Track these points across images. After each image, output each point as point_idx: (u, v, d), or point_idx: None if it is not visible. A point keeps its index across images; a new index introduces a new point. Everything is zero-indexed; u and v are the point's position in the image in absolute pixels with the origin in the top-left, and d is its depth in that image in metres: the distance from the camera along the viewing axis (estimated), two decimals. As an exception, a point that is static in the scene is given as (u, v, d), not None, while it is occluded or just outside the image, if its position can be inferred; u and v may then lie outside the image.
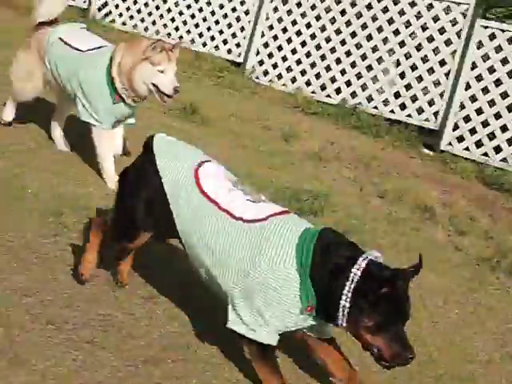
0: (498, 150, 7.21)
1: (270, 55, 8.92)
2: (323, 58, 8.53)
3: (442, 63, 7.77)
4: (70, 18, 7.47)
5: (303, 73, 8.68)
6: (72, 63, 4.59)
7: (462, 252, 5.02)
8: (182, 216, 2.97)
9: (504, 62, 7.24)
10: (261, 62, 8.95)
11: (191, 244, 2.96)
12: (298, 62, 8.73)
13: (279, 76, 8.80)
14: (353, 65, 8.33)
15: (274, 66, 8.89)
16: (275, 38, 8.89)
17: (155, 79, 4.38)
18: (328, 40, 8.47)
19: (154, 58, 4.35)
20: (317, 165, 6.29)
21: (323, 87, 8.51)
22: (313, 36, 8.59)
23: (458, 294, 4.36)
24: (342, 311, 2.58)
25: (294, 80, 8.71)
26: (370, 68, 8.27)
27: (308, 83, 8.56)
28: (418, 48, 7.95)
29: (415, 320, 3.33)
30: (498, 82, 7.26)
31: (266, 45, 8.95)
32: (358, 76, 8.29)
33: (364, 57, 8.24)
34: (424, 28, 7.90)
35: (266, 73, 8.94)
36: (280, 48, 8.88)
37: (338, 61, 8.41)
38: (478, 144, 7.41)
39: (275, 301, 2.67)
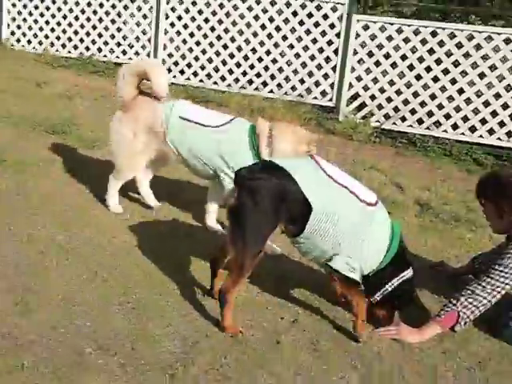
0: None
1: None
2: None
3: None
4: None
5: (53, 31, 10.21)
6: (208, 142, 4.36)
7: None
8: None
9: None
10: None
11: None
12: (47, 22, 10.23)
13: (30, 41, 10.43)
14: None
15: (25, 34, 10.46)
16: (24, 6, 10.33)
17: None
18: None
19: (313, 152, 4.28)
20: (64, 101, 7.92)
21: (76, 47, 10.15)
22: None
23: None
24: None
25: (41, 43, 10.31)
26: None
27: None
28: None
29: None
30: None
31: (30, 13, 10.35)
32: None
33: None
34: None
35: (18, 40, 10.52)
36: (31, 14, 10.33)
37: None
38: (182, 71, 9.28)
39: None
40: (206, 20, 9.11)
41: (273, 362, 3.15)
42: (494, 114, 7.74)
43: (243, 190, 3.28)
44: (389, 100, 8.20)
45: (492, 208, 3.74)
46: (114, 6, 9.81)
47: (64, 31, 10.20)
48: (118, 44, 9.87)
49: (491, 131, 7.78)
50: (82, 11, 10.01)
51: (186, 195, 5.28)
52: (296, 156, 4.18)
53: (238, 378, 3.00)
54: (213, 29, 9.09)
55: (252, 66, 8.95)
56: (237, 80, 9.07)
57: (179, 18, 9.27)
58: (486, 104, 7.75)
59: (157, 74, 4.51)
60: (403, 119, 8.15)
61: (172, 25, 9.33)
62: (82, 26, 10.07)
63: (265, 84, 8.91)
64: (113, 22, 9.85)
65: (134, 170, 4.68)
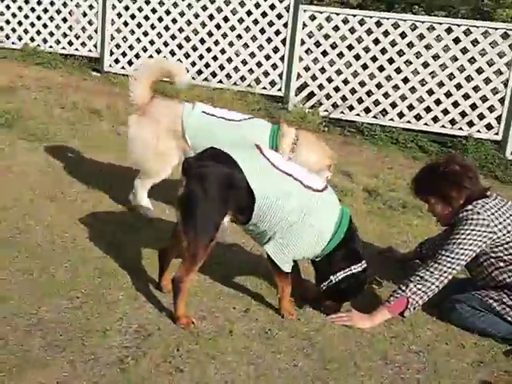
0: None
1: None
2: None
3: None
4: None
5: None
6: (230, 133, 4.34)
7: (122, 135, 5.88)
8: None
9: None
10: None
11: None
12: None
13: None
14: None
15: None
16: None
17: None
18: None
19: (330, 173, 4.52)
20: (8, 93, 7.71)
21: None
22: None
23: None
24: None
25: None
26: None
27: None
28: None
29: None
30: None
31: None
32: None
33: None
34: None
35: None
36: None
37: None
38: (130, 62, 9.23)
39: None
40: (154, 10, 9.03)
41: (225, 352, 3.17)
42: (438, 102, 7.91)
43: (191, 179, 3.32)
44: (336, 89, 8.29)
45: (439, 200, 3.81)
46: (59, -4, 9.57)
47: (8, 22, 9.96)
48: (64, 35, 9.68)
49: (435, 119, 7.94)
50: (26, 1, 9.79)
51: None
52: (318, 169, 4.36)
53: (190, 370, 3.00)
54: (161, 19, 9.01)
55: (201, 57, 8.92)
56: (186, 70, 8.97)
57: (126, 8, 9.16)
58: (430, 92, 7.91)
59: (178, 70, 4.57)
60: (351, 108, 8.25)
61: (119, 15, 9.22)
62: (27, 17, 9.83)
63: (214, 74, 8.89)
64: (58, 12, 9.64)
65: (162, 173, 4.62)
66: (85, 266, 3.85)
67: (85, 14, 9.50)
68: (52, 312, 3.34)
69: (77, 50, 9.63)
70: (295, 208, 3.37)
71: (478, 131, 7.84)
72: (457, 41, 7.78)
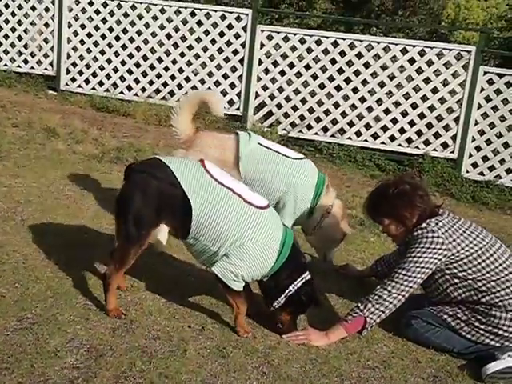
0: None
1: None
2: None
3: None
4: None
5: None
6: (282, 169, 4.39)
7: (78, 154, 6.59)
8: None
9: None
10: None
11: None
12: None
13: None
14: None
15: None
16: None
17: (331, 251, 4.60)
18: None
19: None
20: None
21: None
22: None
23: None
24: None
25: None
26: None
27: None
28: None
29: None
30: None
31: None
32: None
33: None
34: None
35: None
36: None
37: None
38: (87, 81, 9.25)
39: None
40: (111, 29, 8.98)
41: (179, 372, 3.11)
42: (395, 121, 8.01)
43: (129, 183, 3.45)
44: (294, 108, 8.35)
45: (392, 221, 3.81)
46: (13, 14, 9.48)
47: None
48: (20, 53, 9.54)
49: (392, 138, 8.04)
50: (-20, 20, 9.59)
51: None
52: (334, 241, 4.53)
53: (142, 390, 2.92)
54: (117, 38, 8.95)
55: (159, 76, 8.89)
56: (143, 89, 8.98)
57: (82, 26, 9.10)
58: (387, 111, 8.02)
59: (215, 101, 4.55)
60: (309, 127, 8.32)
61: (75, 33, 9.15)
62: (-20, 35, 9.65)
63: (172, 93, 8.85)
64: (13, 30, 9.49)
65: None
66: (36, 285, 3.74)
67: (40, 32, 9.35)
68: (0, 333, 3.22)
69: (32, 68, 9.53)
70: (235, 224, 3.38)
71: (434, 150, 7.98)
72: (412, 61, 7.91)
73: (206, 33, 8.67)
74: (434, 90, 7.95)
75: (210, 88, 8.71)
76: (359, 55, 8.05)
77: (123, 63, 9.01)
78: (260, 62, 8.42)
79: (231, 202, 3.41)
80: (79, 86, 9.29)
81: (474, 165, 7.91)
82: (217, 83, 8.69)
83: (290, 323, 3.62)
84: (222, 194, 3.41)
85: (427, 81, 7.97)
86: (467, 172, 7.87)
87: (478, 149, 7.89)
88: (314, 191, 4.42)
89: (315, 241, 4.59)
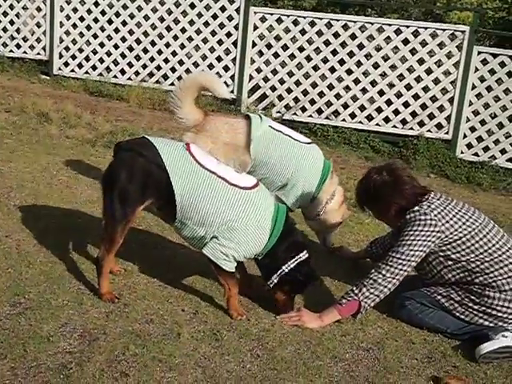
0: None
1: None
2: None
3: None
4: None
5: None
6: (292, 152, 4.40)
7: (71, 139, 6.57)
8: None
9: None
10: None
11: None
12: None
13: None
14: None
15: None
16: None
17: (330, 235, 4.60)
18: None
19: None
20: None
21: None
22: None
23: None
24: None
25: None
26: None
27: None
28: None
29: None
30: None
31: None
32: None
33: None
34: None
35: None
36: None
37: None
38: (80, 65, 9.12)
39: None
40: (103, 12, 8.93)
41: (173, 355, 3.11)
42: (389, 102, 7.99)
43: (116, 160, 3.52)
44: (289, 91, 8.32)
45: (383, 208, 3.83)
46: (4, -1, 9.35)
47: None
48: (12, 37, 9.45)
49: (387, 119, 8.02)
50: (-29, 4, 9.47)
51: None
52: (333, 227, 4.55)
53: (135, 374, 2.93)
54: (110, 21, 8.90)
55: (152, 59, 8.84)
56: (137, 73, 8.93)
57: (75, 10, 9.02)
58: (381, 93, 7.99)
59: (216, 85, 4.43)
60: (303, 109, 8.29)
61: (68, 17, 9.07)
62: (-29, 20, 9.55)
63: (165, 77, 8.81)
64: (5, 14, 9.41)
65: None
66: (29, 270, 3.73)
67: (33, 17, 9.26)
68: (-7, 319, 3.21)
69: (25, 53, 9.45)
70: (220, 206, 3.40)
71: (429, 131, 7.96)
72: (406, 42, 7.87)
73: (199, 15, 8.61)
74: (428, 71, 7.92)
75: (203, 71, 8.64)
76: (353, 36, 8.01)
77: (116, 47, 8.95)
78: (254, 45, 8.37)
79: (215, 185, 3.43)
80: (72, 71, 9.23)
81: (469, 145, 7.90)
82: (210, 66, 8.64)
83: (286, 302, 3.62)
84: (205, 177, 3.44)
85: (421, 61, 7.94)
86: (462, 153, 7.87)
87: (473, 129, 7.88)
88: (319, 176, 4.43)
89: (316, 225, 4.60)
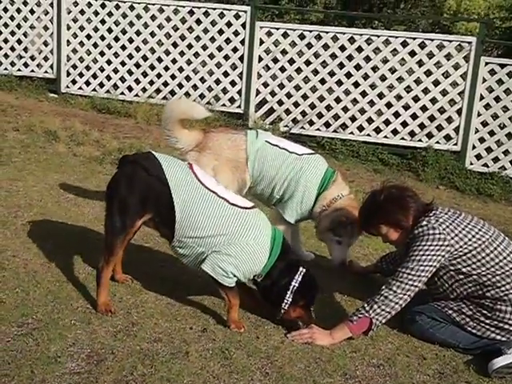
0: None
1: None
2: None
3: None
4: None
5: None
6: (289, 166, 4.38)
7: (79, 156, 6.61)
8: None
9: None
10: None
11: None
12: None
13: None
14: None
15: None
16: None
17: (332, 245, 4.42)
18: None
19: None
20: None
21: None
22: None
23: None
24: None
25: None
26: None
27: None
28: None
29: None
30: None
31: None
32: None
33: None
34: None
35: None
36: None
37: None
38: (88, 82, 9.24)
39: None
40: (110, 30, 8.96)
41: (181, 375, 3.08)
42: (397, 114, 7.96)
43: (119, 173, 3.58)
44: (296, 105, 8.31)
45: (389, 228, 3.79)
46: (12, 18, 9.45)
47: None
48: (20, 56, 9.49)
49: (395, 131, 7.98)
50: (-21, 24, 9.55)
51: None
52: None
53: (144, 394, 2.90)
54: (117, 39, 8.94)
55: (159, 75, 8.85)
56: (144, 90, 8.95)
57: (81, 28, 9.06)
58: (389, 105, 7.97)
59: (190, 111, 4.44)
60: (311, 123, 8.28)
61: (74, 35, 9.12)
62: (-21, 39, 9.62)
63: (173, 93, 8.82)
64: (12, 33, 9.47)
65: None
66: (37, 290, 3.72)
67: (40, 36, 9.32)
68: (0, 340, 3.20)
69: (33, 71, 9.52)
70: (219, 224, 3.41)
71: (437, 142, 7.93)
72: (413, 54, 7.85)
73: (205, 31, 8.64)
74: (436, 83, 7.90)
75: (210, 87, 8.69)
76: (359, 49, 8.01)
77: (123, 64, 8.99)
78: (260, 59, 8.38)
79: (215, 203, 3.45)
80: (80, 88, 9.28)
81: (478, 156, 7.86)
82: (217, 81, 8.65)
83: (308, 315, 3.59)
84: (205, 195, 3.46)
85: (428, 73, 7.92)
86: (471, 164, 7.82)
87: (482, 140, 7.84)
88: (318, 186, 4.38)
89: (323, 236, 4.49)
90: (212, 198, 3.46)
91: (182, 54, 8.75)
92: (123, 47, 8.95)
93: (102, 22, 9.01)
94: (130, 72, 9.00)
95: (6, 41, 9.57)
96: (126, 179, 3.50)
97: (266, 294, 3.58)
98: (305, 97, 8.28)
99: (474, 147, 7.84)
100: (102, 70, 9.11)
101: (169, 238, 3.55)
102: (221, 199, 3.47)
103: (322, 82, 8.20)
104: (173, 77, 8.82)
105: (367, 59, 8.00)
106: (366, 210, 3.88)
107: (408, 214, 3.69)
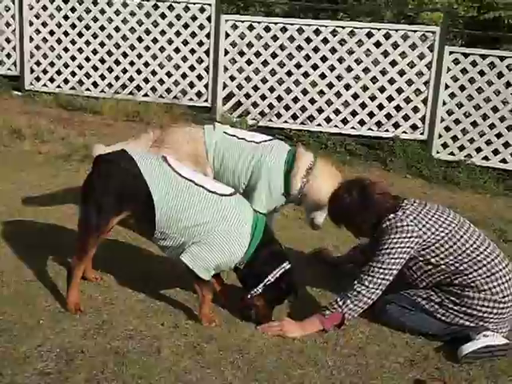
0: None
1: None
2: None
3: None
4: None
5: None
6: (249, 155, 4.37)
7: (45, 154, 6.54)
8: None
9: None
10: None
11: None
12: None
13: None
14: None
15: None
16: None
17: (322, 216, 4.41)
18: None
19: None
20: None
21: None
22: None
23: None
24: None
25: None
26: None
27: None
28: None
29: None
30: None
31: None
32: None
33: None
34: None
35: None
36: None
37: None
38: (52, 79, 8.94)
39: None
40: (73, 25, 8.82)
41: (153, 371, 3.07)
42: (363, 105, 8.01)
43: (94, 172, 3.54)
44: (263, 97, 8.30)
45: (355, 226, 3.85)
46: (-28, 15, 9.23)
47: None
48: (-19, 54, 9.30)
49: (362, 122, 8.03)
50: None
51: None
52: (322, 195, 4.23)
53: (115, 393, 2.88)
54: (80, 34, 8.80)
55: (124, 70, 8.75)
56: (110, 85, 8.85)
57: (44, 24, 8.91)
58: (355, 96, 8.00)
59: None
60: (278, 116, 8.28)
61: (37, 31, 8.95)
62: None
63: (139, 88, 8.74)
64: (-27, 31, 9.27)
65: None
66: (4, 290, 3.68)
67: (2, 32, 9.15)
68: (-33, 342, 3.15)
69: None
70: (199, 212, 3.40)
71: (404, 132, 7.99)
72: (378, 44, 7.90)
73: (170, 25, 8.55)
74: (401, 73, 7.95)
75: (177, 81, 8.62)
76: (325, 41, 8.02)
77: (88, 59, 8.86)
78: (226, 53, 8.34)
79: (194, 192, 3.44)
80: (44, 85, 9.10)
81: (444, 145, 7.94)
82: (183, 75, 8.60)
83: (266, 313, 3.58)
84: (183, 185, 3.45)
85: (394, 63, 7.96)
86: (437, 153, 7.90)
87: (448, 129, 7.92)
88: (284, 168, 4.36)
89: (304, 207, 4.51)
90: (190, 187, 3.45)
91: (147, 48, 8.66)
92: (87, 43, 8.82)
93: (65, 17, 8.84)
94: (95, 68, 8.88)
95: (-34, 38, 9.33)
96: (99, 178, 3.48)
97: (242, 279, 3.58)
98: (272, 89, 8.28)
99: (440, 136, 7.93)
100: (66, 66, 8.97)
101: (149, 232, 3.53)
102: (199, 187, 3.46)
103: (289, 74, 8.20)
104: (138, 72, 8.73)
105: (333, 51, 8.02)
106: (334, 209, 3.91)
107: (373, 211, 3.71)
